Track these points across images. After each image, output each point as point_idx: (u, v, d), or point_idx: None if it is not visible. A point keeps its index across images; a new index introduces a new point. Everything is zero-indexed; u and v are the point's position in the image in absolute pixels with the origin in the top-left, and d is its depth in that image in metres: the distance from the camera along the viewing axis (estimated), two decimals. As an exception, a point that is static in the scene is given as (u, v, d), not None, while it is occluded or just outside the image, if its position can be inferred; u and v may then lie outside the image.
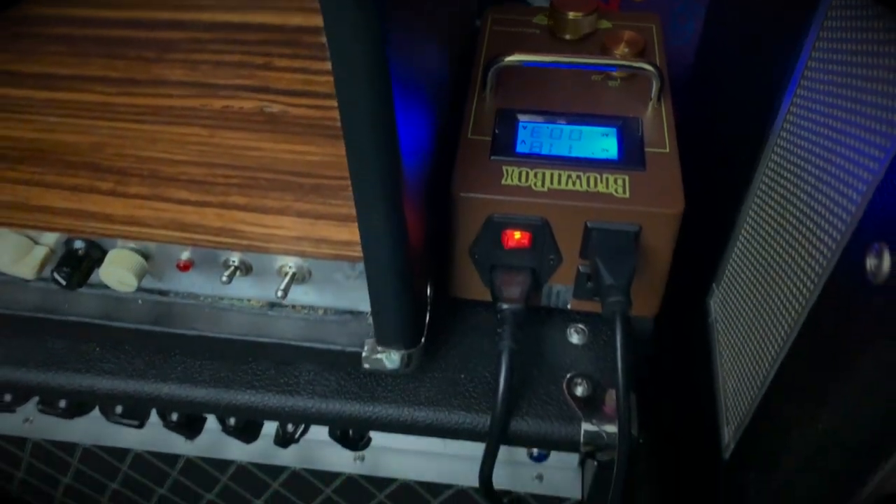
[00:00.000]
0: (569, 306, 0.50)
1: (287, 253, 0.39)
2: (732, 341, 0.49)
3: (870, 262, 0.28)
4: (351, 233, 0.37)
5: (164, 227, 0.39)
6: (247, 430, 0.53)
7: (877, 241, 0.27)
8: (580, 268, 0.47)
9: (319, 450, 0.55)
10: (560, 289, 0.49)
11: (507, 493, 0.54)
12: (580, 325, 0.51)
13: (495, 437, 0.45)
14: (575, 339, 0.50)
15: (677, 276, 0.50)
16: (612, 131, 0.48)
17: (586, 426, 0.46)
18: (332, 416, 0.47)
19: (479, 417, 0.46)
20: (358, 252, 0.38)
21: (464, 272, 0.49)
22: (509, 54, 0.49)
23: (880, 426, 0.30)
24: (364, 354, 0.44)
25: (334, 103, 0.30)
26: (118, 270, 0.43)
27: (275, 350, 0.45)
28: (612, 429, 0.45)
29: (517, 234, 0.45)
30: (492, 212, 0.45)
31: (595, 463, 0.47)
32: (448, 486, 0.54)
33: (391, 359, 0.44)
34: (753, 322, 0.45)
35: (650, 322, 0.54)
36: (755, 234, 0.47)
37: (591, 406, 0.46)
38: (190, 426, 0.53)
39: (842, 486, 0.33)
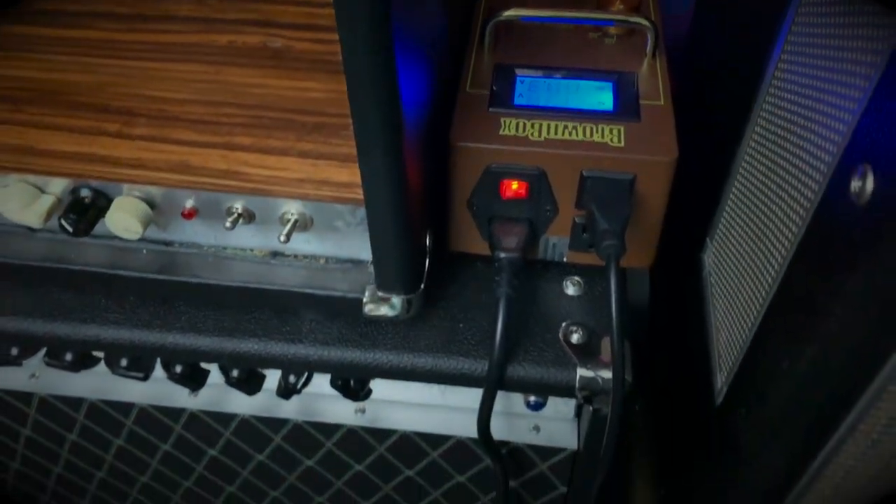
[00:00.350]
0: (565, 259, 0.51)
1: (290, 196, 0.40)
2: (726, 292, 0.50)
3: (854, 185, 0.29)
4: (352, 174, 0.38)
5: (169, 171, 0.40)
6: (249, 382, 0.54)
7: (861, 164, 0.28)
8: (576, 219, 0.48)
9: (321, 402, 0.56)
10: (556, 241, 0.50)
11: (504, 443, 0.55)
12: (576, 278, 0.52)
13: (493, 382, 0.46)
14: (571, 290, 0.51)
15: (671, 232, 0.51)
16: (608, 85, 0.49)
17: (582, 371, 0.47)
18: (334, 364, 0.48)
19: (478, 363, 0.47)
20: (359, 194, 0.39)
21: (462, 225, 0.50)
22: (507, 9, 0.49)
23: (865, 351, 0.31)
24: (365, 300, 0.45)
25: (336, 37, 0.31)
26: (124, 217, 0.44)
27: (277, 297, 0.46)
28: (607, 374, 0.46)
29: (514, 185, 0.46)
30: (490, 162, 0.45)
31: (591, 409, 0.48)
32: (447, 438, 0.55)
33: (392, 304, 0.45)
34: (746, 268, 0.46)
35: (646, 280, 0.56)
36: (748, 184, 0.48)
37: (587, 353, 0.47)
38: (193, 378, 0.54)
39: (829, 413, 0.34)
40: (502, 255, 0.47)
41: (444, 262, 0.51)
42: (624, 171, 0.45)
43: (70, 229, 0.44)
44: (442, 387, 0.56)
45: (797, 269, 0.36)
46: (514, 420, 0.55)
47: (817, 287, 0.33)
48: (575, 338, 0.48)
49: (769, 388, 0.39)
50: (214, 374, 0.56)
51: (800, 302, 0.35)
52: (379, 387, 0.56)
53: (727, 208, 0.52)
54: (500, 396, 0.54)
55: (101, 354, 0.56)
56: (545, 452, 0.55)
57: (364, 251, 0.46)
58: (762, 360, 0.40)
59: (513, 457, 0.56)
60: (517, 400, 0.55)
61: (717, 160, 0.54)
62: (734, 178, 0.51)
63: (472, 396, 0.55)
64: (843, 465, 0.36)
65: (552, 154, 0.45)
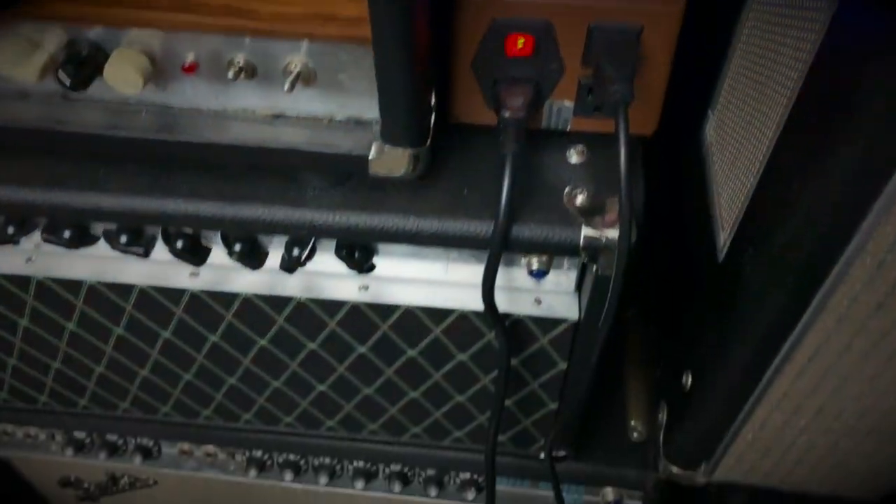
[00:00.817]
0: (569, 128, 0.51)
1: (295, 36, 0.39)
2: (727, 157, 0.51)
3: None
4: (359, 7, 0.37)
5: (169, 9, 0.39)
6: (252, 256, 0.54)
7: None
8: (581, 80, 0.48)
9: (324, 280, 0.56)
10: (561, 106, 0.50)
11: (507, 315, 0.55)
12: (580, 146, 0.51)
13: (499, 241, 0.46)
14: (574, 159, 0.51)
15: (671, 113, 0.51)
16: (614, -56, 0.48)
17: (586, 230, 0.47)
18: (340, 227, 0.48)
19: (483, 224, 0.47)
20: (366, 30, 0.38)
21: (467, 91, 0.49)
22: None
23: (877, 158, 0.32)
24: (371, 157, 0.45)
25: None
26: (122, 68, 0.43)
27: (280, 157, 0.46)
28: (611, 233, 0.47)
29: (520, 41, 0.46)
30: (496, 14, 0.45)
31: (594, 271, 0.49)
32: (450, 312, 0.56)
33: (398, 159, 0.45)
34: (752, 115, 0.46)
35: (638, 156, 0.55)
36: (753, 37, 0.48)
37: (591, 213, 0.48)
38: (195, 252, 0.54)
39: (838, 233, 0.35)
40: (508, 114, 0.46)
41: (448, 134, 0.51)
42: (631, 22, 0.44)
43: (68, 82, 0.43)
44: (445, 263, 0.56)
45: (809, 90, 0.36)
46: (515, 294, 0.55)
47: (829, 101, 0.33)
48: (579, 199, 0.48)
49: (777, 220, 0.39)
50: (215, 254, 0.56)
51: (811, 122, 0.35)
52: (382, 264, 0.56)
53: (729, 74, 0.52)
54: (503, 270, 0.54)
55: (99, 232, 0.55)
56: (546, 324, 0.56)
57: (369, 110, 0.45)
58: (771, 192, 0.41)
59: (514, 330, 0.56)
60: (519, 273, 0.55)
61: (718, 29, 0.54)
62: (737, 44, 0.51)
63: (474, 272, 0.55)
64: (849, 291, 0.37)
65: (559, 4, 0.44)
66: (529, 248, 0.48)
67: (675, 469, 0.56)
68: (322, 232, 0.48)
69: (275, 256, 0.55)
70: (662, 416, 0.59)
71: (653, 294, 0.76)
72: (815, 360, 0.42)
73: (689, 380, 0.52)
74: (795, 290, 0.40)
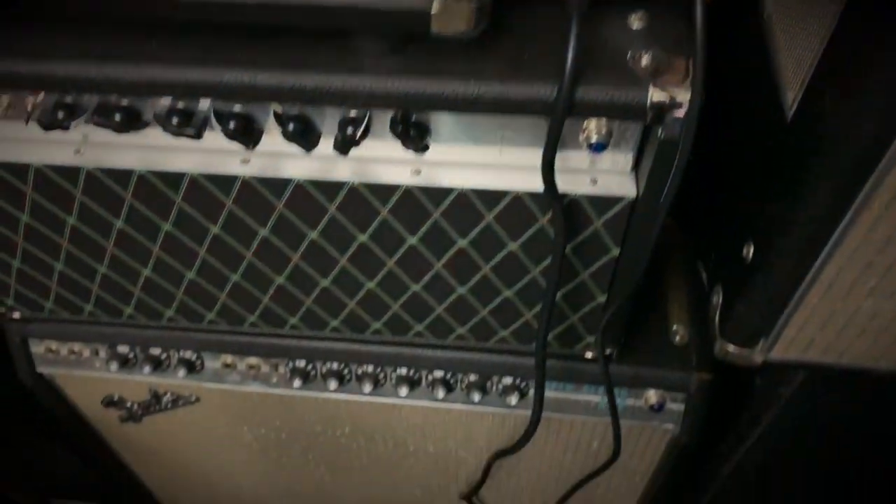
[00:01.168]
0: (629, -7, 0.50)
1: None
2: (789, 21, 0.49)
3: None
4: None
5: None
6: (305, 135, 0.53)
7: None
8: (646, -65, 0.46)
9: (377, 165, 0.56)
10: (622, -32, 0.49)
11: (563, 195, 0.55)
12: (640, 12, 0.50)
13: (564, 103, 0.45)
14: (636, 25, 0.50)
15: None
16: None
17: (654, 91, 0.46)
18: (399, 95, 0.47)
19: (547, 87, 0.46)
20: None
21: (525, -48, 0.48)
22: None
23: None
24: (434, 12, 0.44)
25: None
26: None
27: (340, 15, 0.45)
28: (680, 93, 0.46)
29: None
30: None
31: (659, 134, 0.48)
32: (504, 194, 0.55)
33: (461, 13, 0.44)
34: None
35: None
36: None
37: (658, 74, 0.47)
38: (248, 132, 0.53)
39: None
40: (572, -31, 0.45)
41: (506, 1, 0.50)
42: None
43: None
44: (499, 146, 0.55)
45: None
46: (571, 175, 0.55)
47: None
48: (645, 60, 0.47)
49: (856, 67, 0.38)
50: (266, 140, 0.55)
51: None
52: (435, 148, 0.55)
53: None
54: (559, 152, 0.54)
55: (149, 117, 0.54)
56: (602, 204, 0.55)
57: (429, -33, 0.44)
58: (847, 42, 0.40)
59: (568, 213, 0.56)
60: (576, 155, 0.54)
61: None
62: None
63: (529, 155, 0.54)
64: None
65: None
66: (595, 110, 0.47)
67: (731, 348, 0.56)
68: (380, 100, 0.48)
69: (327, 142, 0.55)
70: (718, 299, 0.59)
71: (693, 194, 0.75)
72: (891, 210, 0.42)
73: (751, 251, 0.51)
74: (874, 135, 0.39)
